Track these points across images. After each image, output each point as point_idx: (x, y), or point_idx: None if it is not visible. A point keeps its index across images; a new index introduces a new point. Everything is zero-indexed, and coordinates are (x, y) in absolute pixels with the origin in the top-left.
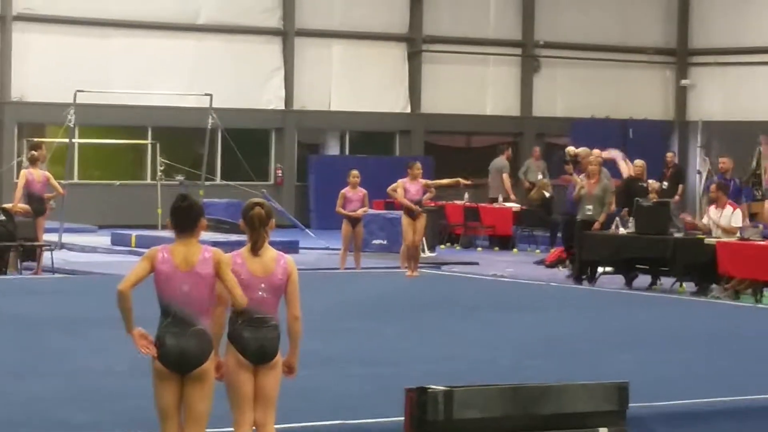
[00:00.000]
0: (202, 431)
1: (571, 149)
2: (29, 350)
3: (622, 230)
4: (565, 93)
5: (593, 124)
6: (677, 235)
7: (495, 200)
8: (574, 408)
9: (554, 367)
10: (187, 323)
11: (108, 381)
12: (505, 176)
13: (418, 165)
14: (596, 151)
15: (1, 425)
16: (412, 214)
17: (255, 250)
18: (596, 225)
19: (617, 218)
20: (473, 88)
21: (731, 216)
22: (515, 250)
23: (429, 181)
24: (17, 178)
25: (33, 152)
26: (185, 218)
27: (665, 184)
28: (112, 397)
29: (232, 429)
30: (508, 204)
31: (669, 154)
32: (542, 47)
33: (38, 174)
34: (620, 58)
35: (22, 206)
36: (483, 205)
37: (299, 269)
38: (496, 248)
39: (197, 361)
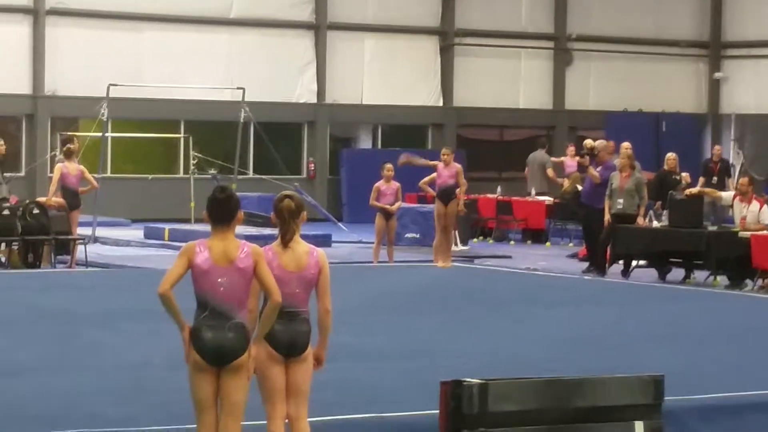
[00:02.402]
0: (238, 423)
1: (588, 142)
2: (64, 344)
3: (655, 223)
4: (598, 86)
5: (626, 118)
6: (711, 228)
7: (530, 194)
8: (609, 401)
9: (588, 361)
10: (225, 317)
11: (144, 374)
12: (550, 171)
13: (450, 150)
14: (626, 144)
15: (38, 419)
16: (444, 201)
17: (285, 242)
18: (639, 220)
19: (651, 211)
20: (506, 82)
21: (759, 212)
22: (548, 243)
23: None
24: (51, 171)
25: (69, 146)
26: (223, 210)
27: (714, 179)
28: (148, 391)
29: (265, 422)
30: (540, 197)
31: (716, 148)
32: (575, 40)
33: (73, 168)
34: (653, 51)
35: (57, 200)
36: (516, 198)
37: (332, 263)
38: (529, 242)
39: (234, 354)
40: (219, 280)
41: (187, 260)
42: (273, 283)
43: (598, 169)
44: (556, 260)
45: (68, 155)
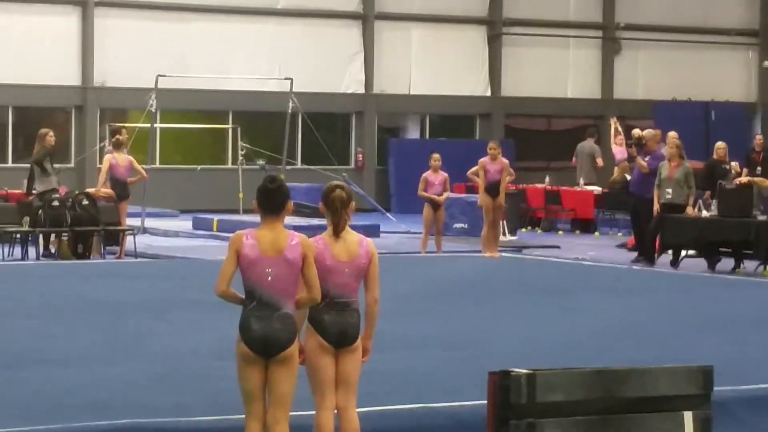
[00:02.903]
0: (286, 414)
1: (636, 131)
2: (113, 334)
3: (704, 213)
4: (646, 75)
5: (674, 107)
6: (761, 218)
7: (578, 183)
8: (658, 391)
9: (637, 351)
10: (273, 307)
11: (192, 364)
12: (599, 160)
13: (496, 144)
14: (673, 134)
15: (85, 408)
16: (492, 195)
17: (337, 232)
18: (688, 209)
19: (700, 201)
20: (554, 71)
21: None
22: (597, 233)
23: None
24: (100, 162)
25: (117, 137)
26: (273, 200)
27: (758, 169)
28: (197, 380)
29: (314, 412)
30: (589, 187)
31: (758, 137)
32: (623, 29)
33: (122, 158)
34: (702, 39)
35: (106, 191)
36: (564, 188)
37: (380, 253)
38: (578, 232)
39: (283, 345)
40: (267, 270)
41: (235, 252)
42: (316, 279)
43: (647, 158)
44: (605, 250)
45: (117, 146)
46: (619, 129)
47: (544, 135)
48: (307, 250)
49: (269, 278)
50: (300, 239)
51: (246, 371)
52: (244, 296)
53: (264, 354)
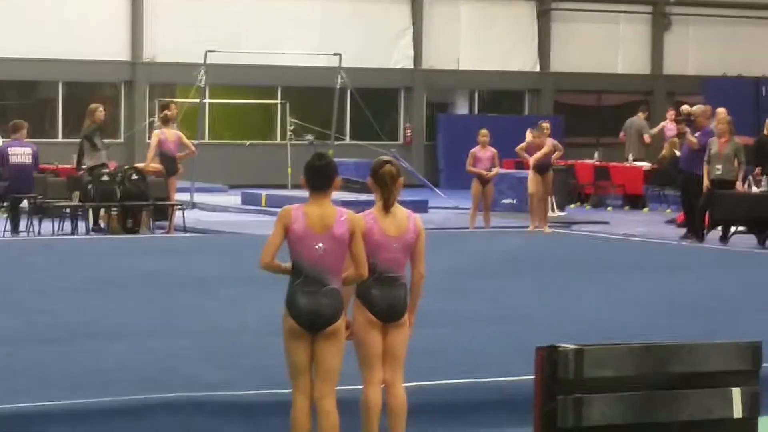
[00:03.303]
0: (333, 388)
1: (685, 107)
2: (162, 309)
3: (754, 189)
4: (697, 51)
5: (725, 83)
6: None
7: (627, 159)
8: (706, 367)
9: (685, 326)
10: (320, 282)
11: (240, 338)
12: (647, 136)
13: (547, 124)
14: (722, 110)
15: (136, 382)
16: (540, 172)
17: (386, 208)
18: (738, 185)
19: (750, 177)
20: (603, 47)
21: None
22: (646, 209)
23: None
24: (149, 138)
25: (166, 112)
26: (321, 177)
27: None
28: (245, 355)
29: (361, 387)
30: (638, 163)
31: None
32: (673, 4)
33: (170, 134)
34: (753, 14)
35: (155, 166)
36: (613, 164)
37: (428, 229)
38: (627, 207)
39: (329, 320)
40: (315, 245)
41: (283, 227)
42: (363, 255)
43: (696, 134)
44: (654, 226)
45: (165, 121)
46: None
47: (594, 111)
48: (354, 226)
49: (317, 254)
50: (348, 215)
51: (293, 346)
52: (292, 271)
53: (311, 329)
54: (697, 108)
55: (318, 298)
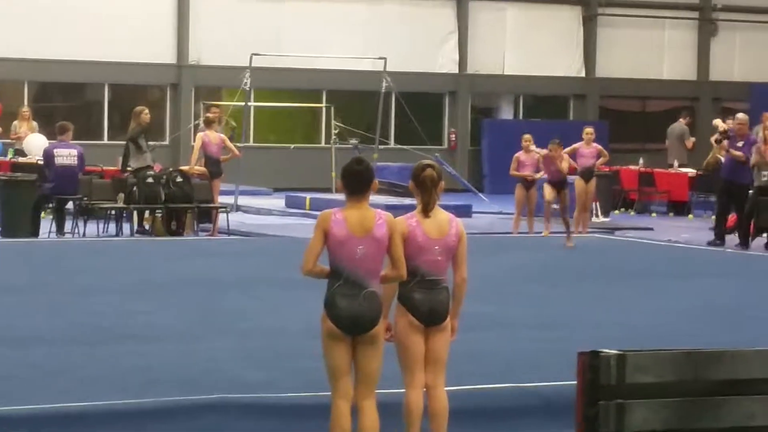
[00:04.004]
0: (373, 391)
1: (719, 123)
2: (204, 310)
3: None
4: (743, 57)
5: None
6: None
7: (672, 165)
8: (749, 374)
9: (728, 333)
10: (360, 285)
11: (282, 340)
12: (688, 142)
13: (592, 130)
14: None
15: (178, 383)
16: (585, 179)
17: (427, 211)
18: None
19: None
20: (649, 52)
21: None
22: (691, 215)
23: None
24: (194, 140)
25: (208, 115)
26: (360, 181)
27: None
28: (286, 357)
29: (403, 390)
30: (683, 169)
31: None
32: (720, 10)
33: (214, 136)
34: None
35: (199, 168)
36: (658, 170)
37: (472, 233)
38: (671, 214)
39: (370, 323)
40: (355, 249)
41: (323, 232)
42: (402, 256)
43: (739, 144)
44: (699, 233)
45: (208, 124)
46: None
47: (639, 116)
48: (392, 227)
49: (357, 257)
50: (386, 218)
51: (332, 349)
52: (330, 274)
53: (351, 332)
54: (731, 122)
55: (358, 301)
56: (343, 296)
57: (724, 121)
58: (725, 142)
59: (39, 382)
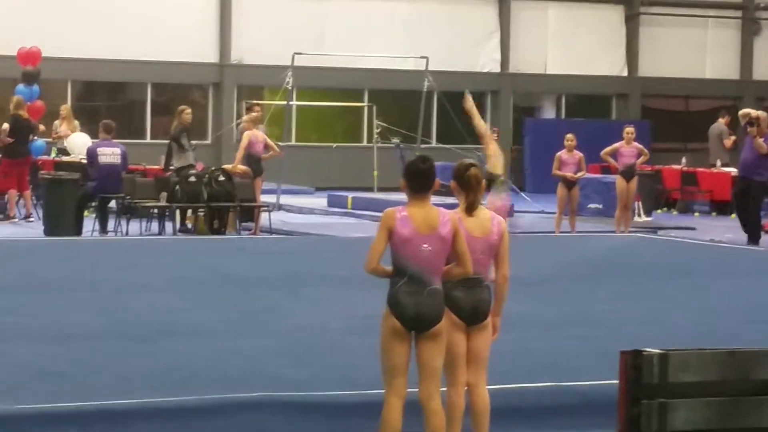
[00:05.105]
0: (438, 388)
1: (746, 112)
2: (246, 308)
3: None
4: None
5: None
6: None
7: (713, 165)
8: None
9: None
10: (424, 283)
11: (323, 338)
12: (727, 141)
13: (633, 129)
14: None
15: (219, 381)
16: (626, 178)
17: (471, 210)
18: None
19: None
20: (692, 51)
21: None
22: (733, 215)
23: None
24: (236, 139)
25: (254, 113)
26: (426, 180)
27: None
28: (327, 354)
29: (444, 389)
30: (726, 169)
31: None
32: (763, 9)
33: (260, 135)
34: None
35: (242, 167)
36: (701, 169)
37: (514, 232)
38: (714, 213)
39: (434, 320)
40: (421, 247)
41: (387, 231)
42: (467, 253)
43: (763, 139)
44: (742, 232)
45: (254, 123)
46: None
47: (681, 116)
48: (456, 225)
49: (422, 255)
50: (450, 216)
51: (394, 346)
52: (394, 272)
53: (415, 329)
54: (762, 113)
55: (422, 298)
56: (408, 294)
57: None
58: (754, 128)
59: (83, 378)
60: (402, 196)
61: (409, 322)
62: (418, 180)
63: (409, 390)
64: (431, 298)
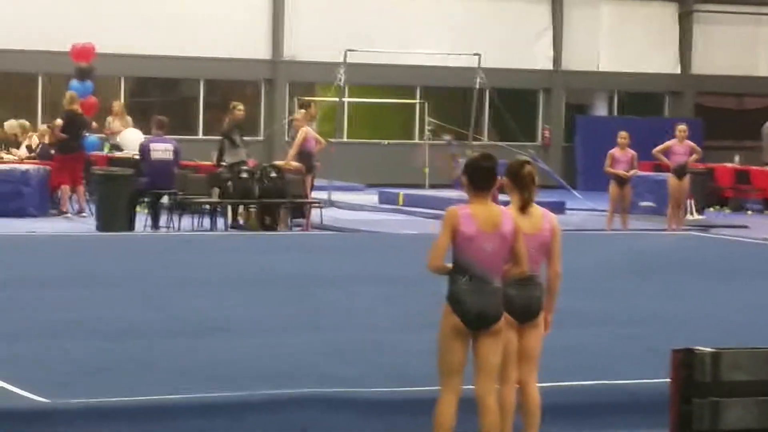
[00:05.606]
0: (494, 384)
1: None
2: (297, 305)
3: None
4: None
5: None
6: None
7: (766, 163)
8: None
9: None
10: (485, 281)
11: (374, 336)
12: None
13: (685, 127)
14: None
15: (270, 377)
16: (678, 176)
17: (525, 207)
18: None
19: None
20: (745, 49)
21: None
22: None
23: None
24: (288, 136)
25: (311, 109)
26: (489, 178)
27: None
28: (378, 352)
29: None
30: None
31: None
32: None
33: (311, 132)
34: None
35: (295, 164)
36: (754, 168)
37: (565, 230)
38: (767, 212)
39: (494, 318)
40: (484, 245)
41: (451, 229)
42: (525, 252)
43: None
44: None
45: (309, 119)
46: None
47: (735, 114)
48: (517, 224)
49: (485, 253)
50: (510, 214)
51: (453, 344)
52: (455, 271)
53: (477, 327)
54: None
55: (484, 296)
56: (470, 292)
57: None
58: None
59: (135, 374)
60: (453, 193)
61: (471, 321)
62: (481, 177)
63: (470, 387)
64: (493, 297)
